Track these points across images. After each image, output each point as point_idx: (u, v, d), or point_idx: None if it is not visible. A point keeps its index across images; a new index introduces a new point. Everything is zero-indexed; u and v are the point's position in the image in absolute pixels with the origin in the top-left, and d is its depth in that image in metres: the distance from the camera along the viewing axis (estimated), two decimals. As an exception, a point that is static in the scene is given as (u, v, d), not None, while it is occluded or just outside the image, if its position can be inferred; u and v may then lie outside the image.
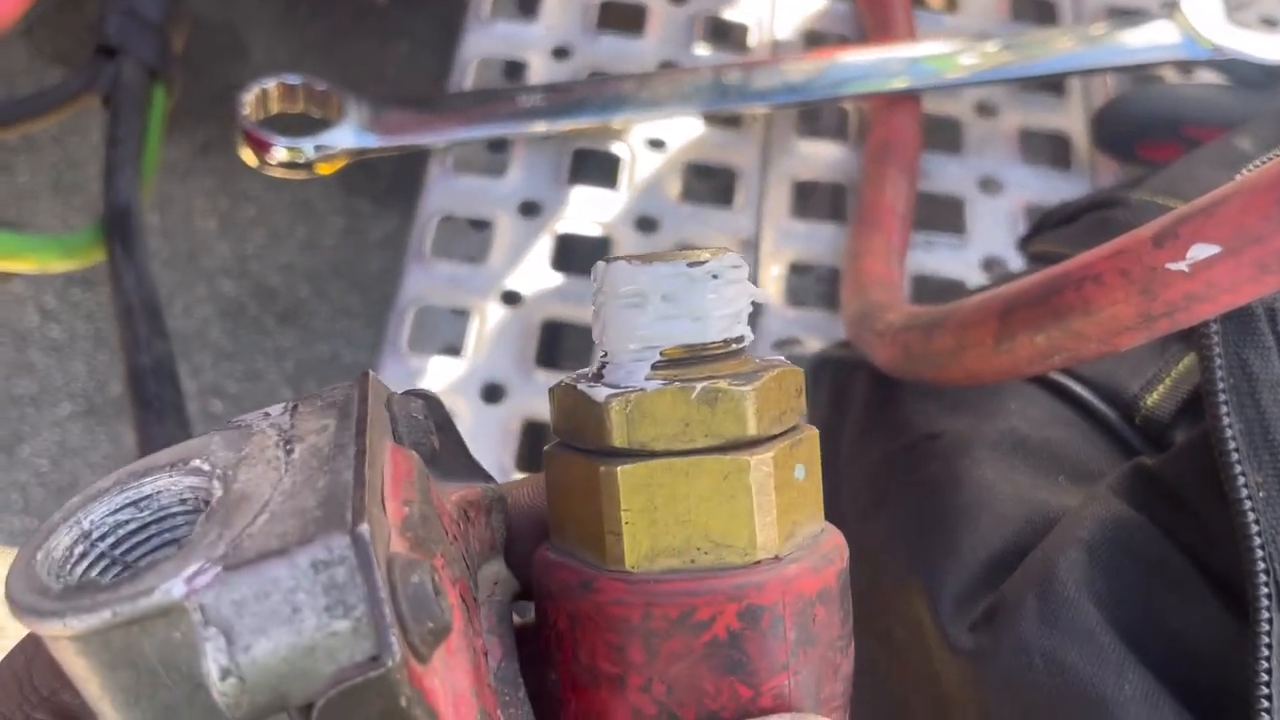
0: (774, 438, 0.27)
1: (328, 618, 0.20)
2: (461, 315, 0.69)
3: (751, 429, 0.26)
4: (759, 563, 0.26)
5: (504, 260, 0.71)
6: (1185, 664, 0.39)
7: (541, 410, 0.66)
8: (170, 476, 0.24)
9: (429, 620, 0.21)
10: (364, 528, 0.20)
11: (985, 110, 0.80)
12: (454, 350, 0.67)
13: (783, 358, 0.28)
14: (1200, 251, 0.37)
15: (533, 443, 0.65)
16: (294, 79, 0.73)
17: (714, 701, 0.25)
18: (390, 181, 1.54)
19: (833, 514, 0.28)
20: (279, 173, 0.72)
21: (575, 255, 0.71)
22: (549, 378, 0.67)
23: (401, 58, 1.58)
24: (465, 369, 0.67)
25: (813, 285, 0.75)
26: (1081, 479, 0.48)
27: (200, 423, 1.29)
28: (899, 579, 0.47)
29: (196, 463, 0.24)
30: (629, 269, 0.27)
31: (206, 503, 0.23)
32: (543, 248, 0.71)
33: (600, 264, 0.28)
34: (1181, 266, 0.37)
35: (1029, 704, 0.40)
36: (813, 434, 0.28)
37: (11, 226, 0.79)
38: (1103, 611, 0.40)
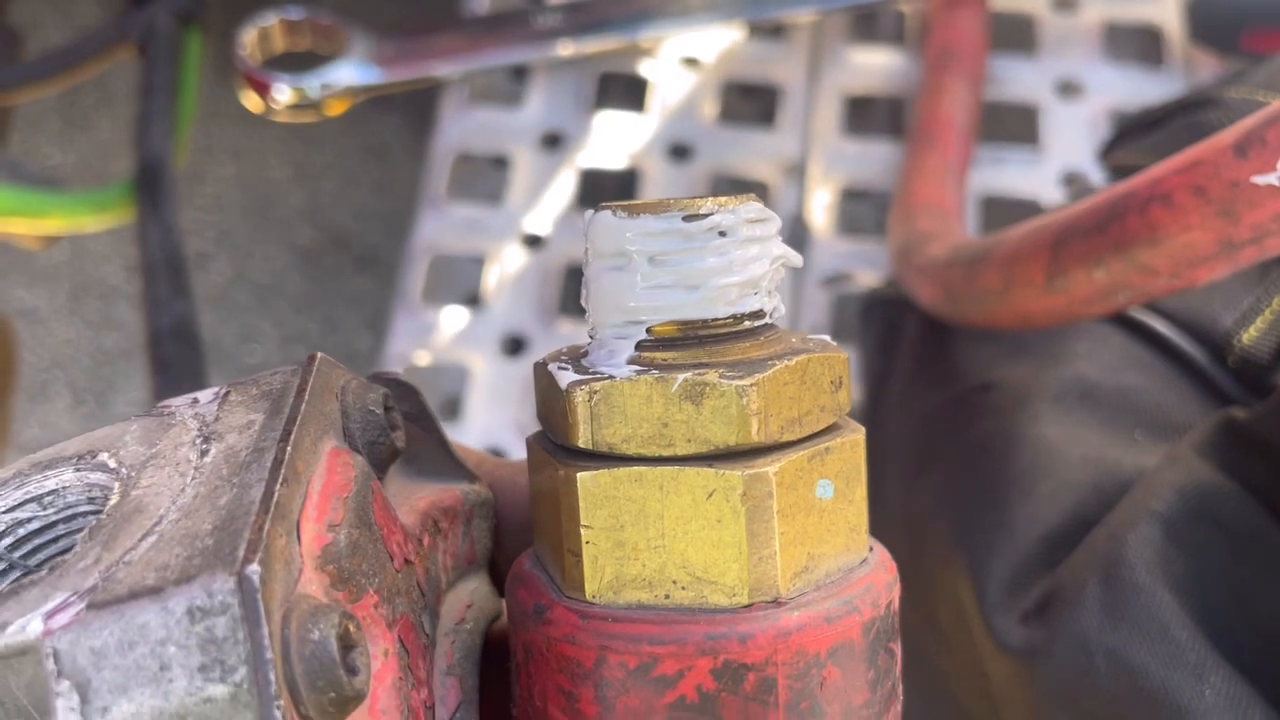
0: (786, 445, 0.21)
1: (201, 680, 0.17)
2: (479, 262, 0.63)
3: (750, 434, 0.20)
4: (749, 606, 0.20)
5: (524, 200, 0.65)
6: (1280, 664, 0.32)
7: (565, 363, 0.60)
8: (75, 471, 0.21)
9: (330, 689, 0.17)
10: (253, 569, 0.17)
11: (1063, 3, 0.71)
12: (472, 300, 0.62)
13: (826, 338, 0.23)
14: (1295, 160, 0.29)
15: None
16: (296, 13, 0.68)
17: None
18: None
19: (875, 475, 0.23)
20: (286, 116, 0.68)
21: (601, 191, 0.65)
22: (574, 328, 0.61)
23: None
24: (484, 320, 0.62)
25: (869, 212, 0.68)
26: (1162, 434, 0.41)
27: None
28: (943, 556, 0.41)
29: (104, 457, 0.21)
30: (612, 221, 0.22)
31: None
32: (565, 184, 0.65)
33: (587, 213, 0.22)
34: (1271, 180, 0.30)
35: (1089, 712, 0.34)
36: (853, 440, 0.22)
37: (42, 185, 0.76)
38: (1180, 600, 0.34)
